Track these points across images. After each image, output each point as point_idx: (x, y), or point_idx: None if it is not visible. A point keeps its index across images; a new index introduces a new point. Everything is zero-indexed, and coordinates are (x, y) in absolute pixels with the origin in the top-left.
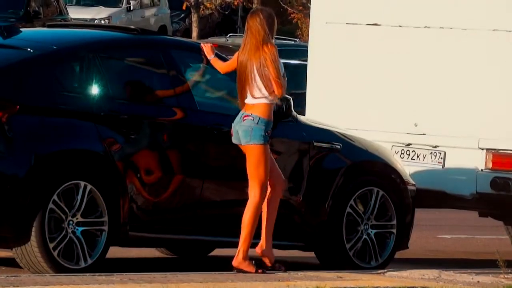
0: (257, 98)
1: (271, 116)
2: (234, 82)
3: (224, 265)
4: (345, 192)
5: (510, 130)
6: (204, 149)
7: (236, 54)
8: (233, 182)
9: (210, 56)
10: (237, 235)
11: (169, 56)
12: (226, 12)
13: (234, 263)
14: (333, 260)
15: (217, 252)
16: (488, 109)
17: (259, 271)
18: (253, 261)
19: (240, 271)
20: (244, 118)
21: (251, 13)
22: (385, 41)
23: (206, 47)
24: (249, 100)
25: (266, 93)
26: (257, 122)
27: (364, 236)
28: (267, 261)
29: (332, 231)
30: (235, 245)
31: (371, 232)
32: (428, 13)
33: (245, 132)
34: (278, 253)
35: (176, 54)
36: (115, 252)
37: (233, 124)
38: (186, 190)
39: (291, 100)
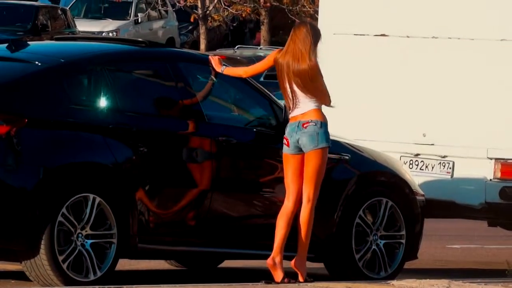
0: (306, 107)
1: (326, 118)
2: (243, 94)
3: (234, 276)
4: (354, 203)
5: None
6: (213, 161)
7: (271, 56)
8: (242, 194)
9: (220, 69)
10: (246, 246)
11: (177, 69)
12: (234, 24)
13: (292, 264)
14: (342, 271)
15: (227, 263)
16: (497, 119)
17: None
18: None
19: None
20: (305, 125)
21: (298, 23)
22: (393, 51)
23: (214, 60)
24: (298, 110)
25: (313, 102)
26: (320, 126)
27: (373, 247)
28: (279, 274)
29: (341, 242)
30: (244, 256)
31: (380, 242)
32: (435, 24)
33: (311, 137)
34: (286, 263)
35: (184, 66)
36: (124, 264)
37: (288, 135)
38: (195, 202)
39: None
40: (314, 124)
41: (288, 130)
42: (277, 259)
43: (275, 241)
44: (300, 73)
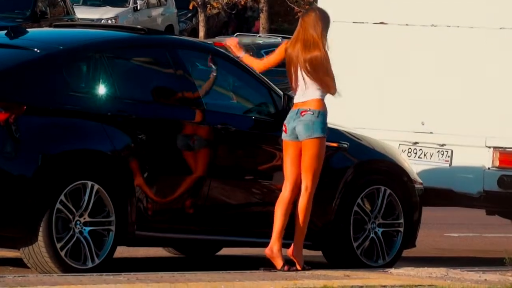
0: (308, 96)
1: (326, 108)
2: (241, 82)
3: (232, 264)
4: (352, 191)
5: None
6: (212, 148)
7: (281, 47)
8: (240, 182)
9: (240, 54)
10: (244, 234)
11: (176, 56)
12: (233, 12)
13: (289, 252)
14: (340, 259)
15: (225, 251)
16: (495, 107)
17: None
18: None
19: (290, 264)
20: (303, 113)
21: (307, 10)
22: (392, 39)
23: (233, 43)
24: (301, 97)
25: (317, 91)
26: (317, 116)
27: (371, 235)
28: (279, 262)
29: (339, 230)
30: (243, 244)
31: (379, 230)
32: (435, 12)
33: (306, 126)
34: (284, 252)
35: (183, 54)
36: (122, 251)
37: (286, 122)
38: (193, 189)
39: (289, 96)
40: (312, 113)
41: (288, 116)
42: (275, 248)
43: (273, 230)
44: (312, 59)
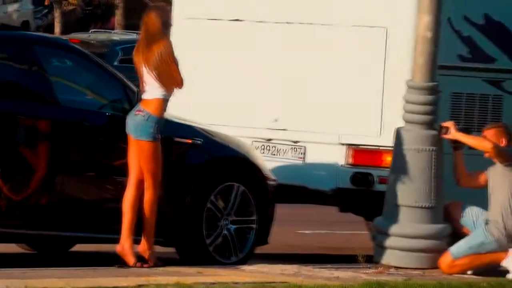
0: (151, 94)
1: (162, 113)
2: (96, 78)
3: (85, 260)
4: (205, 188)
5: (370, 126)
6: (66, 144)
7: None
8: (94, 178)
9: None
10: (98, 230)
11: (31, 52)
12: (89, 8)
13: (140, 249)
14: (193, 255)
15: (79, 248)
16: (348, 105)
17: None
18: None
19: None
20: (136, 113)
21: (147, 10)
22: (246, 36)
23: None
24: (146, 95)
25: (160, 89)
26: (147, 119)
27: (224, 232)
28: (131, 260)
29: (191, 227)
30: (96, 240)
31: (231, 227)
32: (289, 9)
33: (135, 127)
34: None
35: (39, 50)
36: None
37: (127, 116)
38: (46, 186)
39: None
40: (143, 115)
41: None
42: (126, 245)
43: (122, 227)
44: (154, 56)
